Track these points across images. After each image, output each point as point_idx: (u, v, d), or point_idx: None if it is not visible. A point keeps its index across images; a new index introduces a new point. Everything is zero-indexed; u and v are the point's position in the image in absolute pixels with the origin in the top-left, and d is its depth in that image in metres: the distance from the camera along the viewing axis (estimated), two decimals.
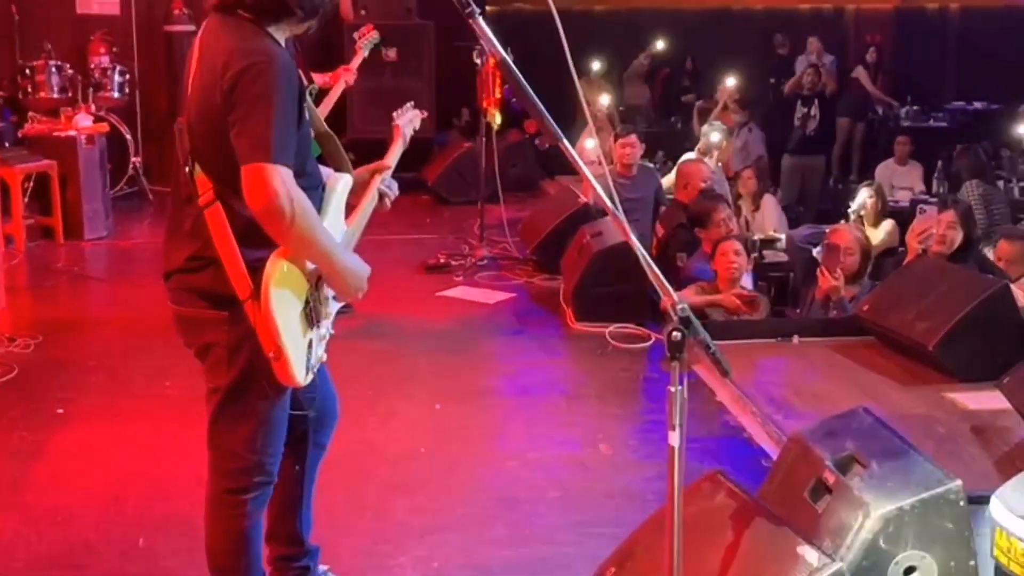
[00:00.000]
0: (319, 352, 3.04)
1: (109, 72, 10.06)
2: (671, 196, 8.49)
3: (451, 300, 7.17)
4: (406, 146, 3.56)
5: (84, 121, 8.97)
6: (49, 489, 4.42)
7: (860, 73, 14.05)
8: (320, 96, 6.48)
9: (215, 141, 2.79)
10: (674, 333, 2.38)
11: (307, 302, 2.92)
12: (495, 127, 8.67)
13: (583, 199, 7.74)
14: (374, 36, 6.80)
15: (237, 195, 2.75)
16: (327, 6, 2.96)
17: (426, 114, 3.90)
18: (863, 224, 8.05)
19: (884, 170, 11.16)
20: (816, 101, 11.64)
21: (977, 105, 15.06)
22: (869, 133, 13.97)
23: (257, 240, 2.79)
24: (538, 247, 7.86)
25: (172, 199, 3.05)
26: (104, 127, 9.26)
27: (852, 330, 5.97)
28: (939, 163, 11.00)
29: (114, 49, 10.29)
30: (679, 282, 6.61)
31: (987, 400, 4.87)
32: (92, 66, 10.05)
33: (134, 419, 5.12)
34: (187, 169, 2.89)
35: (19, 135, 9.20)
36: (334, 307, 3.10)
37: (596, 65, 13.12)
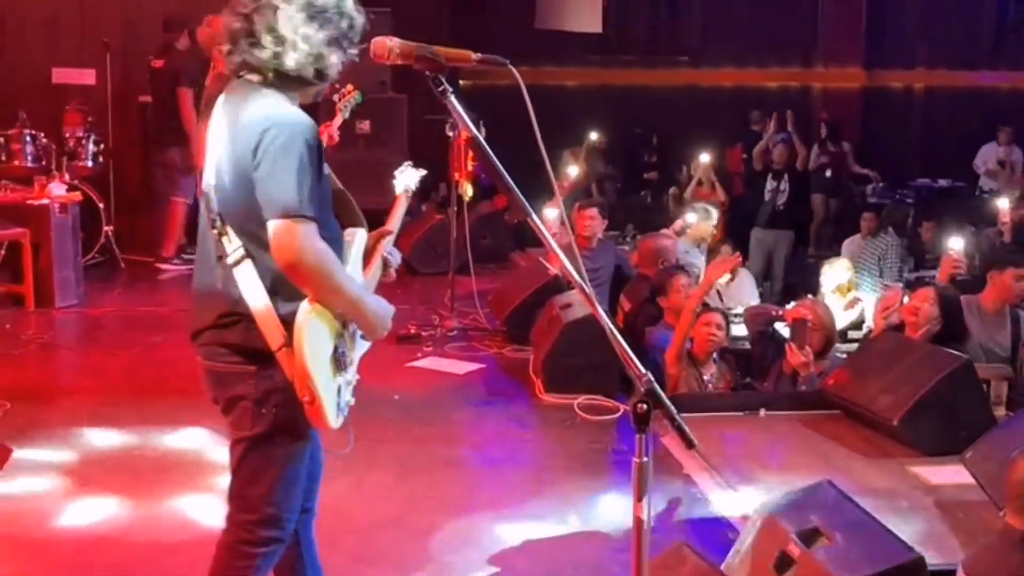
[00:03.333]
0: (347, 396, 3.16)
1: (83, 141, 10.08)
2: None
3: (421, 370, 7.18)
4: (409, 201, 3.76)
5: (57, 190, 8.98)
6: (14, 559, 4.39)
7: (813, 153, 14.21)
8: None
9: (244, 199, 2.93)
10: (640, 405, 2.42)
11: (336, 347, 3.03)
12: (467, 199, 8.75)
13: (553, 271, 7.81)
14: (355, 97, 6.68)
15: (266, 250, 2.88)
16: (331, 70, 3.08)
17: (425, 172, 4.01)
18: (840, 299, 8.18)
19: (850, 245, 11.30)
20: (786, 175, 11.79)
21: (942, 182, 15.31)
22: (837, 209, 14.16)
23: (287, 292, 2.92)
24: (508, 318, 7.91)
25: (199, 262, 3.17)
26: (77, 196, 9.26)
27: (818, 404, 6.02)
28: (904, 240, 11.16)
29: (89, 119, 10.32)
30: (642, 353, 6.67)
31: (950, 474, 4.93)
32: (67, 135, 10.09)
33: (100, 487, 5.09)
34: (215, 231, 3.01)
35: None
36: (360, 350, 3.22)
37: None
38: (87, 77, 10.88)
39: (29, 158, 9.65)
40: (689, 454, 5.20)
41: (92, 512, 4.84)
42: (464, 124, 2.66)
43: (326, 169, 3.06)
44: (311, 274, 2.86)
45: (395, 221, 3.59)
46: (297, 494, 3.17)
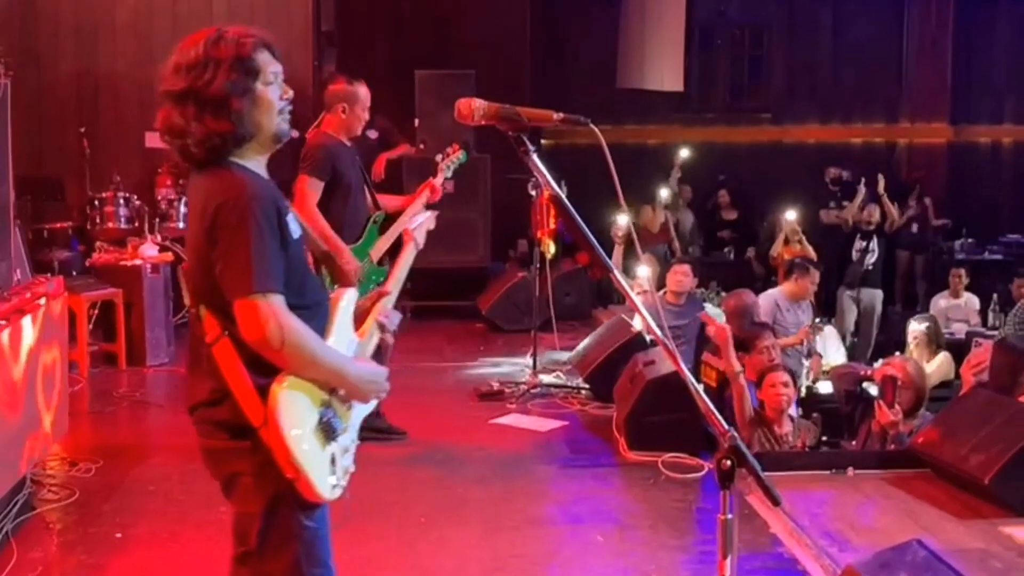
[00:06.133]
0: (344, 464, 3.03)
1: (175, 203, 10.33)
2: None
3: (504, 428, 7.19)
4: (419, 249, 3.63)
5: (150, 251, 9.21)
6: None
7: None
8: (387, 223, 6.34)
9: (210, 280, 2.87)
10: (724, 462, 2.42)
11: (320, 417, 2.93)
12: (548, 257, 8.80)
13: (636, 328, 7.80)
14: (459, 156, 6.52)
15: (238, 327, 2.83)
16: (267, 126, 2.95)
17: (437, 212, 3.92)
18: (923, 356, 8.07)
19: (940, 301, 11.15)
20: (875, 236, 11.69)
21: None
22: (924, 264, 13.99)
23: (264, 366, 2.85)
24: (591, 375, 7.91)
25: (190, 337, 3.12)
26: (169, 256, 9.48)
27: (907, 462, 5.93)
28: (994, 295, 10.97)
29: (180, 181, 10.57)
30: (725, 410, 6.62)
31: None
32: (159, 197, 10.35)
33: (191, 544, 5.16)
34: (194, 311, 2.98)
35: (87, 264, 9.46)
36: (358, 413, 3.09)
37: (665, 193, 13.10)
38: None
39: (123, 220, 9.94)
40: (775, 513, 5.14)
41: (181, 568, 4.91)
42: (547, 182, 2.70)
43: (296, 232, 2.96)
44: (281, 350, 2.80)
45: (396, 280, 3.44)
46: (324, 552, 3.04)
